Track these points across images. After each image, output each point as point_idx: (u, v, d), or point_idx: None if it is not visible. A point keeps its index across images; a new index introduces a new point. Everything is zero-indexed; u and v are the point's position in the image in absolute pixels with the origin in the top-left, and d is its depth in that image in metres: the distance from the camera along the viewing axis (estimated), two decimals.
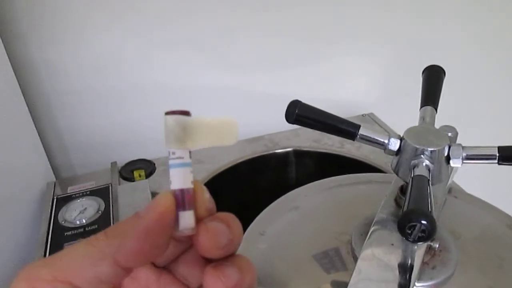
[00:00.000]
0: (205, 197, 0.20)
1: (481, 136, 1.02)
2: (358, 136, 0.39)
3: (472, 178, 0.71)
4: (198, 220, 0.20)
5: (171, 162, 0.20)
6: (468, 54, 0.93)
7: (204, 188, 0.21)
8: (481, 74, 0.97)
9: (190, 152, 0.20)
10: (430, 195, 0.31)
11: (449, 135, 0.45)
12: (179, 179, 0.20)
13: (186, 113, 0.19)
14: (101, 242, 0.19)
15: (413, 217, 0.28)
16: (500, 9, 0.90)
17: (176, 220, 0.19)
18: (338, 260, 0.46)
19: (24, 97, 0.67)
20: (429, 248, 0.42)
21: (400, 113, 0.79)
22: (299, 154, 0.73)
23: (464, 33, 0.90)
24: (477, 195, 0.54)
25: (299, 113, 0.40)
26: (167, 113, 0.19)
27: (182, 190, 0.20)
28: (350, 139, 0.39)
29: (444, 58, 0.90)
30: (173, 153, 0.19)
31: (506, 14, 0.91)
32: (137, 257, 0.18)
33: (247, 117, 0.83)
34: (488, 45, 0.94)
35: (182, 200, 0.19)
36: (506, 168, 0.42)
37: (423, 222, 0.28)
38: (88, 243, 0.19)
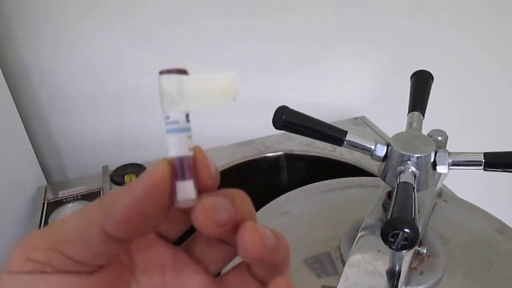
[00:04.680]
0: (207, 164, 0.18)
1: (472, 139, 1.03)
2: (345, 142, 0.39)
3: (464, 181, 0.71)
4: (201, 191, 0.18)
5: (166, 127, 0.18)
6: (461, 59, 0.93)
7: (207, 154, 0.19)
8: (473, 78, 0.97)
9: (187, 115, 0.18)
10: (414, 203, 0.31)
11: (439, 139, 0.45)
12: (175, 145, 0.18)
13: (182, 72, 0.18)
14: (93, 210, 0.18)
15: (396, 225, 0.28)
16: (493, 14, 0.90)
17: (175, 191, 0.18)
18: (329, 265, 0.46)
19: (15, 101, 0.67)
20: (417, 253, 0.42)
21: (393, 116, 0.79)
22: (291, 158, 0.73)
23: (457, 38, 0.90)
24: (469, 199, 0.54)
25: (286, 119, 0.40)
26: (161, 72, 0.17)
27: (179, 158, 0.18)
28: (337, 145, 0.39)
29: (437, 62, 0.90)
30: (168, 118, 0.18)
31: (499, 18, 0.91)
32: (125, 227, 0.17)
33: (240, 120, 0.83)
34: (481, 49, 0.94)
35: (180, 168, 0.18)
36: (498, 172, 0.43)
37: (406, 230, 0.27)
38: (81, 211, 0.18)
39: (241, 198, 0.19)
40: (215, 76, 0.18)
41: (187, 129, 0.18)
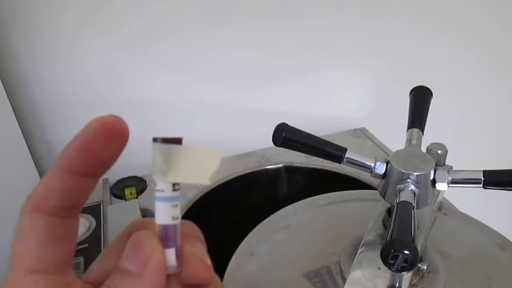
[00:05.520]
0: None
1: (471, 150, 1.02)
2: (344, 159, 0.39)
3: (464, 195, 0.71)
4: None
5: (155, 193, 0.19)
6: (460, 69, 0.94)
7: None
8: (472, 88, 0.97)
9: (175, 185, 0.18)
10: (414, 223, 0.31)
11: (439, 152, 0.45)
12: (160, 214, 0.18)
13: (176, 141, 0.18)
14: None
15: (396, 247, 0.28)
16: (494, 22, 0.90)
17: None
18: (329, 279, 0.46)
19: (15, 111, 0.67)
20: (418, 269, 0.42)
21: (392, 127, 0.80)
22: (290, 170, 0.73)
23: (457, 47, 0.91)
24: (469, 212, 0.54)
25: (286, 136, 0.40)
26: (154, 140, 0.18)
27: (163, 226, 0.18)
28: (337, 162, 0.39)
29: (435, 72, 0.91)
30: (156, 184, 0.18)
31: (500, 26, 0.91)
32: None
33: (239, 132, 0.83)
34: (480, 60, 0.94)
35: (164, 236, 0.18)
36: None
37: (406, 252, 0.27)
38: None
39: (200, 234, 0.21)
40: (199, 150, 0.18)
41: (173, 199, 0.18)
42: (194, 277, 0.19)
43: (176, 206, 0.19)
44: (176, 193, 0.18)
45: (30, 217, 0.18)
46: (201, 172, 0.18)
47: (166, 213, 0.18)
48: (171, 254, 0.18)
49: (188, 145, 0.18)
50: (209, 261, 0.20)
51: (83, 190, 0.19)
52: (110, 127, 0.18)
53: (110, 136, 0.18)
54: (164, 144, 0.17)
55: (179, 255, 0.19)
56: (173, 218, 0.18)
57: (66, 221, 0.18)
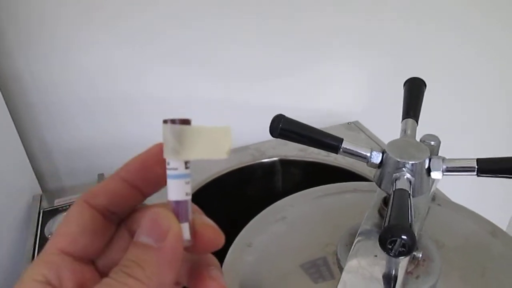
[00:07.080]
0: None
1: (465, 143, 1.04)
2: (341, 149, 0.39)
3: (457, 185, 0.72)
4: (195, 232, 0.20)
5: (167, 172, 0.19)
6: (455, 64, 0.95)
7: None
8: (467, 83, 0.98)
9: (186, 162, 0.19)
10: (410, 209, 0.31)
11: (432, 143, 0.46)
12: (173, 190, 0.20)
13: (186, 122, 0.19)
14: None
15: (394, 233, 0.28)
16: (488, 18, 0.91)
17: None
18: (325, 270, 0.47)
19: (10, 109, 0.67)
20: (413, 257, 0.43)
21: (386, 121, 0.80)
22: (285, 163, 0.73)
23: (451, 43, 0.92)
24: (462, 202, 0.55)
25: (283, 127, 0.40)
26: (165, 121, 0.19)
27: (177, 202, 0.19)
28: (334, 152, 0.40)
29: (429, 67, 0.92)
30: (168, 163, 0.19)
31: (495, 22, 0.92)
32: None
33: (234, 126, 0.83)
34: (476, 55, 0.95)
35: (176, 212, 0.19)
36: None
37: (403, 237, 0.28)
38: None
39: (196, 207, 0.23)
40: (212, 129, 0.19)
41: (186, 176, 0.20)
42: (209, 244, 0.21)
43: (188, 182, 0.20)
44: (188, 171, 0.20)
45: (80, 206, 0.20)
46: (216, 148, 0.19)
47: (180, 189, 0.19)
48: (185, 228, 0.20)
49: (199, 125, 0.19)
50: (218, 228, 0.21)
51: (130, 200, 0.21)
52: None
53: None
54: (175, 125, 0.19)
55: (191, 230, 0.20)
56: (186, 194, 0.20)
57: (106, 223, 0.21)
